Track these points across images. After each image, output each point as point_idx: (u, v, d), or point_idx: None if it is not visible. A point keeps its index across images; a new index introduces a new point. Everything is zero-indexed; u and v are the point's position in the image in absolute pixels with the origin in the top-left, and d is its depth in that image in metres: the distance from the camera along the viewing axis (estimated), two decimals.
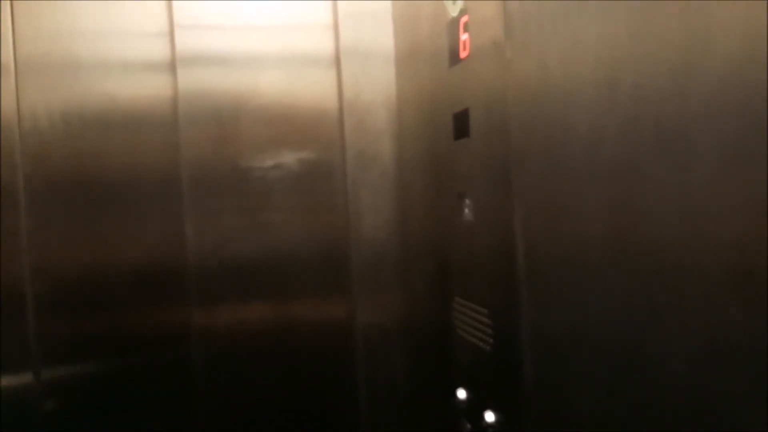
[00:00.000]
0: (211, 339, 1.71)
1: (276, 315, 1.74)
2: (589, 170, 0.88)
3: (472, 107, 1.23)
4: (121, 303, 1.67)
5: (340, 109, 1.74)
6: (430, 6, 1.42)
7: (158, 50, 1.67)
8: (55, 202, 1.63)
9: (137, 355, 1.69)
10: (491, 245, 1.20)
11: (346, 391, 1.77)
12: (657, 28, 0.73)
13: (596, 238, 0.87)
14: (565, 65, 0.93)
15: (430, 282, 1.58)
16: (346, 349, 1.77)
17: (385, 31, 1.72)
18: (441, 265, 1.48)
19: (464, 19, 1.24)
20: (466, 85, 1.26)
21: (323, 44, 1.74)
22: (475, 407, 1.29)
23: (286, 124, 1.73)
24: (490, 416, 1.21)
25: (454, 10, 1.29)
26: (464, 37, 1.24)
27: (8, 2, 1.58)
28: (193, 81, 1.68)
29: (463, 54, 1.25)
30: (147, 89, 1.67)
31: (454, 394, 1.37)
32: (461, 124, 1.28)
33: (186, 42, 1.68)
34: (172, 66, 1.67)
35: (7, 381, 1.61)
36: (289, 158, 1.73)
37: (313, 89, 1.74)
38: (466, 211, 1.30)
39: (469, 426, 1.33)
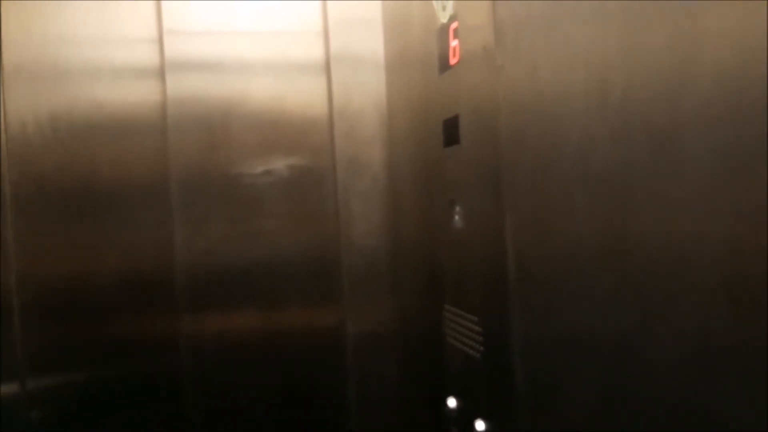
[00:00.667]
0: (201, 347, 1.69)
1: (266, 322, 1.73)
2: (579, 177, 0.87)
3: (462, 114, 1.23)
4: (110, 311, 1.65)
5: (331, 116, 1.73)
6: (420, 13, 1.42)
7: (147, 56, 1.66)
8: (42, 209, 1.61)
9: (126, 363, 1.67)
10: (481, 252, 1.19)
11: (337, 399, 1.76)
12: (648, 35, 0.73)
13: (587, 245, 0.87)
14: (555, 72, 0.93)
15: (421, 289, 1.57)
16: (336, 357, 1.76)
17: (376, 38, 1.72)
18: (431, 273, 1.47)
19: (454, 25, 1.24)
20: (456, 92, 1.25)
21: (313, 51, 1.73)
22: (465, 415, 1.29)
23: (276, 131, 1.72)
24: (480, 425, 1.21)
25: (444, 17, 1.29)
26: (454, 43, 1.24)
27: None
28: (182, 87, 1.68)
29: (453, 60, 1.25)
30: (136, 95, 1.66)
31: (444, 403, 1.36)
32: (451, 131, 1.28)
33: (175, 48, 1.67)
34: (161, 72, 1.66)
35: None
36: (279, 165, 1.73)
37: (304, 96, 1.73)
38: (457, 218, 1.29)
39: None
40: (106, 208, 1.64)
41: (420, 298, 1.58)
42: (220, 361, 1.71)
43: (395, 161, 1.72)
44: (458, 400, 1.33)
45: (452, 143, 1.28)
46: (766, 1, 0.56)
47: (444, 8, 1.28)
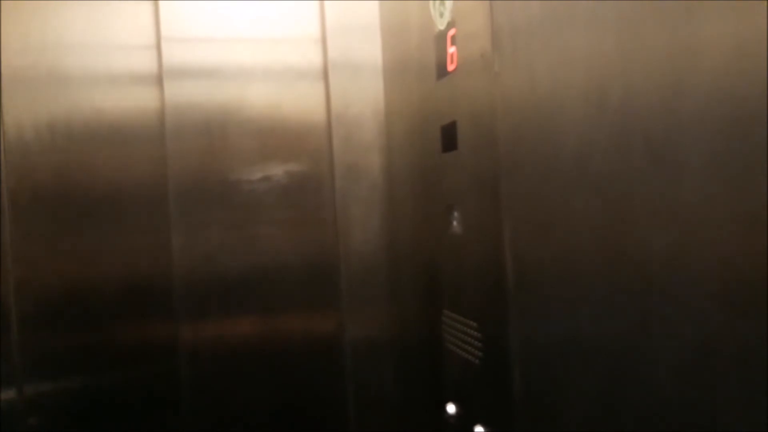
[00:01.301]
0: (198, 353, 1.69)
1: (264, 329, 1.73)
2: (577, 182, 0.88)
3: (459, 120, 1.23)
4: (107, 317, 1.65)
5: (329, 122, 1.73)
6: (417, 19, 1.43)
7: (145, 63, 1.67)
8: (40, 215, 1.61)
9: (123, 369, 1.66)
10: (480, 258, 1.19)
11: (335, 406, 1.76)
12: (645, 41, 0.73)
13: (585, 251, 0.87)
14: (553, 78, 0.93)
15: (420, 295, 1.57)
16: (334, 363, 1.75)
17: (373, 44, 1.73)
18: (430, 278, 1.47)
19: (452, 32, 1.24)
20: (453, 98, 1.26)
21: (311, 57, 1.73)
22: (464, 421, 1.28)
23: (274, 137, 1.72)
24: (479, 430, 1.21)
25: (441, 23, 1.29)
26: (452, 50, 1.24)
27: None
28: (180, 93, 1.68)
29: (450, 67, 1.26)
30: (134, 102, 1.66)
31: (443, 408, 1.36)
32: (449, 137, 1.28)
33: (173, 54, 1.67)
34: (159, 78, 1.67)
35: None
36: (278, 171, 1.73)
37: (302, 102, 1.73)
38: (455, 223, 1.29)
39: None
40: (104, 214, 1.64)
41: (419, 304, 1.58)
42: (217, 367, 1.70)
43: (393, 167, 1.72)
44: (457, 406, 1.33)
45: (450, 149, 1.28)
46: (765, 8, 0.57)
47: (442, 15, 1.29)
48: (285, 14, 1.72)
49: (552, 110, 0.93)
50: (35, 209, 1.61)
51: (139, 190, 1.66)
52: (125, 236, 1.65)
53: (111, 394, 1.65)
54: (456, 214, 1.29)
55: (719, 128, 0.63)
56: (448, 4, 1.25)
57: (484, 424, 1.20)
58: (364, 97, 1.74)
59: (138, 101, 1.66)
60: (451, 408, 1.34)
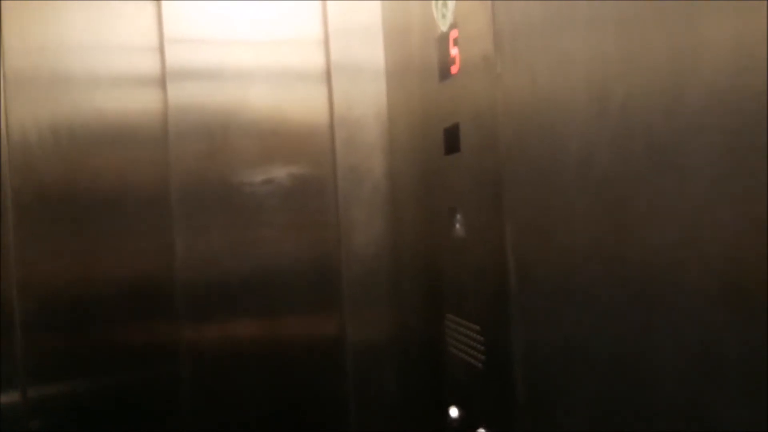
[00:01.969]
0: (200, 355, 1.69)
1: (266, 331, 1.73)
2: (580, 185, 0.87)
3: (462, 122, 1.23)
4: (109, 319, 1.65)
5: (331, 124, 1.73)
6: (420, 21, 1.42)
7: (148, 64, 1.67)
8: (43, 217, 1.61)
9: (125, 371, 1.66)
10: (482, 261, 1.19)
11: (336, 408, 1.75)
12: (647, 43, 0.73)
13: (588, 254, 0.87)
14: (555, 80, 0.93)
15: (422, 298, 1.57)
16: (336, 366, 1.75)
17: (376, 46, 1.72)
18: (433, 281, 1.47)
19: (454, 34, 1.24)
20: (456, 100, 1.25)
21: (314, 59, 1.73)
22: (467, 425, 1.28)
23: (276, 139, 1.72)
24: None
25: (444, 25, 1.29)
26: (454, 51, 1.24)
27: None
28: (183, 95, 1.68)
29: (453, 69, 1.25)
30: (136, 103, 1.66)
31: (446, 412, 1.36)
32: (452, 139, 1.28)
33: (176, 56, 1.67)
34: (161, 80, 1.67)
35: None
36: (280, 173, 1.72)
37: (304, 104, 1.73)
38: (458, 226, 1.29)
39: None
40: (106, 215, 1.64)
41: (421, 307, 1.58)
42: (219, 369, 1.70)
43: (396, 169, 1.72)
44: (460, 409, 1.33)
45: (453, 151, 1.28)
46: (766, 8, 0.56)
47: (444, 16, 1.28)
48: (287, 16, 1.72)
49: (554, 112, 0.93)
50: (38, 210, 1.61)
51: (141, 192, 1.66)
52: (128, 238, 1.65)
53: (113, 396, 1.65)
54: (458, 216, 1.28)
55: (721, 130, 0.63)
56: (451, 5, 1.25)
57: (486, 427, 1.20)
58: (367, 99, 1.73)
59: (140, 103, 1.66)
60: (453, 411, 1.34)
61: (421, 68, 1.44)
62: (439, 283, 1.41)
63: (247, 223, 1.71)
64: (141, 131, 1.66)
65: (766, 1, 0.56)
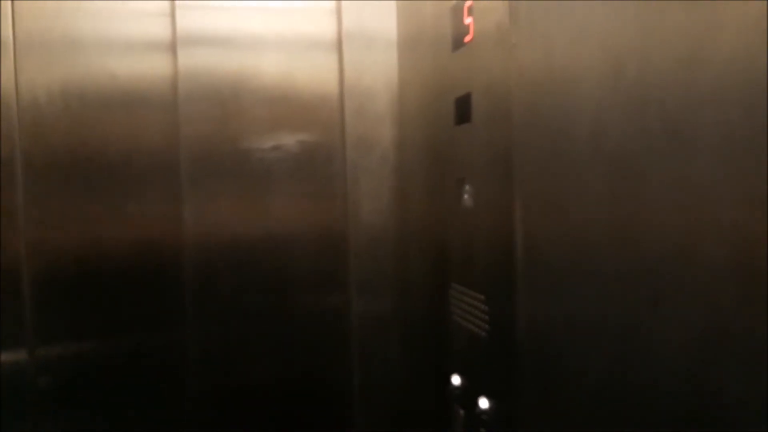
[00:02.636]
0: (206, 321, 1.70)
1: (272, 298, 1.74)
2: (591, 158, 0.87)
3: (474, 92, 1.23)
4: (117, 282, 1.66)
5: (341, 93, 1.73)
6: None
7: (159, 29, 1.66)
8: (52, 179, 1.62)
9: (131, 335, 1.68)
10: (490, 232, 1.19)
11: (341, 375, 1.77)
12: (663, 16, 0.72)
13: (596, 227, 0.87)
14: (570, 51, 0.92)
15: (428, 267, 1.58)
16: (341, 334, 1.77)
17: (388, 15, 1.71)
18: (439, 251, 1.47)
19: (468, 3, 1.23)
20: (469, 70, 1.25)
21: (326, 27, 1.72)
22: (469, 393, 1.29)
23: (286, 107, 1.72)
24: (484, 402, 1.22)
25: None
26: (468, 21, 1.23)
27: None
28: (193, 61, 1.67)
29: (466, 38, 1.24)
30: (148, 68, 1.66)
31: (448, 380, 1.37)
32: (463, 109, 1.27)
33: (187, 21, 1.66)
34: (173, 45, 1.66)
35: (2, 357, 1.60)
36: (289, 140, 1.73)
37: (315, 72, 1.73)
38: (466, 197, 1.29)
39: (462, 412, 1.33)
40: (115, 179, 1.64)
41: (427, 277, 1.59)
42: (225, 335, 1.72)
43: (405, 139, 1.71)
44: (462, 378, 1.34)
45: (463, 121, 1.28)
46: None
47: None
48: None
49: (568, 84, 0.93)
50: (48, 172, 1.61)
51: (150, 156, 1.66)
52: (136, 201, 1.66)
53: (120, 358, 1.67)
54: (467, 187, 1.29)
55: (736, 104, 0.63)
56: None
57: (488, 396, 1.21)
58: (378, 68, 1.73)
59: (151, 68, 1.66)
60: (455, 379, 1.35)
61: (434, 37, 1.43)
62: (445, 253, 1.42)
63: (255, 189, 1.71)
64: (151, 96, 1.66)
65: None
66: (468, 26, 1.23)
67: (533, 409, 1.06)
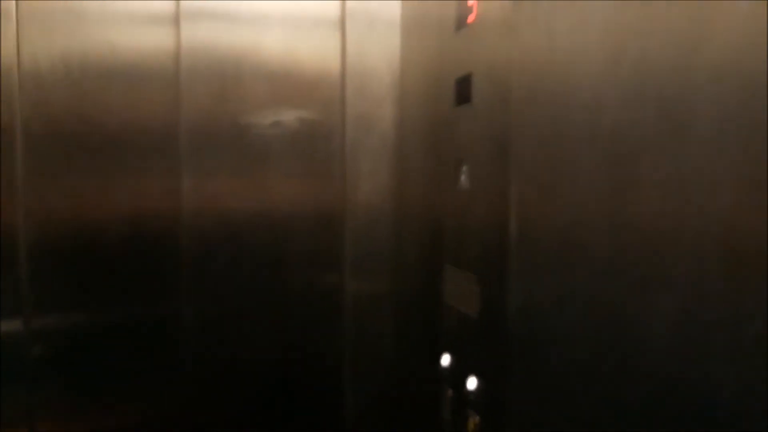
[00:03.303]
0: (202, 296, 1.71)
1: (268, 274, 1.75)
2: (587, 142, 0.88)
3: (475, 72, 1.23)
4: (114, 254, 1.66)
5: (343, 72, 1.73)
6: None
7: (162, 3, 1.65)
8: (52, 149, 1.62)
9: (127, 307, 1.69)
10: (485, 213, 1.20)
11: (334, 350, 1.79)
12: (664, 3, 0.72)
13: (590, 211, 0.88)
14: (571, 34, 0.92)
15: (423, 248, 1.58)
16: (335, 310, 1.78)
17: None
18: (435, 232, 1.48)
19: None
20: (471, 50, 1.25)
21: (329, 5, 1.72)
22: (458, 373, 1.30)
23: (287, 84, 1.72)
24: (472, 383, 1.22)
25: None
26: (471, 1, 1.23)
27: None
28: (196, 35, 1.67)
29: (469, 18, 1.24)
30: (150, 41, 1.65)
31: (438, 360, 1.38)
32: (463, 89, 1.27)
33: None
34: (175, 19, 1.66)
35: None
36: (289, 117, 1.73)
37: (317, 50, 1.72)
38: (463, 178, 1.29)
39: (450, 392, 1.34)
40: (115, 151, 1.64)
41: (421, 257, 1.60)
42: (219, 311, 1.73)
43: (405, 120, 1.71)
44: (452, 357, 1.35)
45: (464, 102, 1.28)
46: None
47: None
48: None
49: (568, 66, 0.93)
50: (48, 141, 1.61)
51: (150, 130, 1.66)
52: (136, 175, 1.66)
53: (115, 330, 1.68)
54: (465, 168, 1.29)
55: (733, 90, 0.63)
56: None
57: (477, 375, 1.22)
58: (380, 48, 1.72)
59: (154, 41, 1.66)
60: (445, 359, 1.36)
61: (437, 17, 1.43)
62: (440, 234, 1.42)
63: (255, 165, 1.72)
64: (153, 69, 1.66)
65: None
66: (471, 7, 1.23)
67: (521, 389, 1.07)
